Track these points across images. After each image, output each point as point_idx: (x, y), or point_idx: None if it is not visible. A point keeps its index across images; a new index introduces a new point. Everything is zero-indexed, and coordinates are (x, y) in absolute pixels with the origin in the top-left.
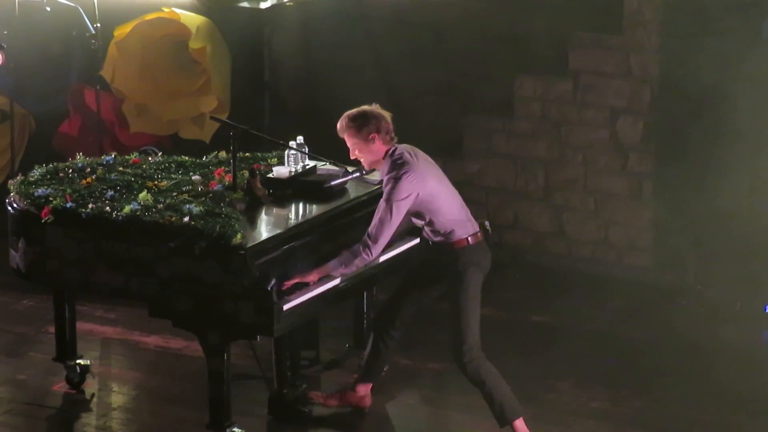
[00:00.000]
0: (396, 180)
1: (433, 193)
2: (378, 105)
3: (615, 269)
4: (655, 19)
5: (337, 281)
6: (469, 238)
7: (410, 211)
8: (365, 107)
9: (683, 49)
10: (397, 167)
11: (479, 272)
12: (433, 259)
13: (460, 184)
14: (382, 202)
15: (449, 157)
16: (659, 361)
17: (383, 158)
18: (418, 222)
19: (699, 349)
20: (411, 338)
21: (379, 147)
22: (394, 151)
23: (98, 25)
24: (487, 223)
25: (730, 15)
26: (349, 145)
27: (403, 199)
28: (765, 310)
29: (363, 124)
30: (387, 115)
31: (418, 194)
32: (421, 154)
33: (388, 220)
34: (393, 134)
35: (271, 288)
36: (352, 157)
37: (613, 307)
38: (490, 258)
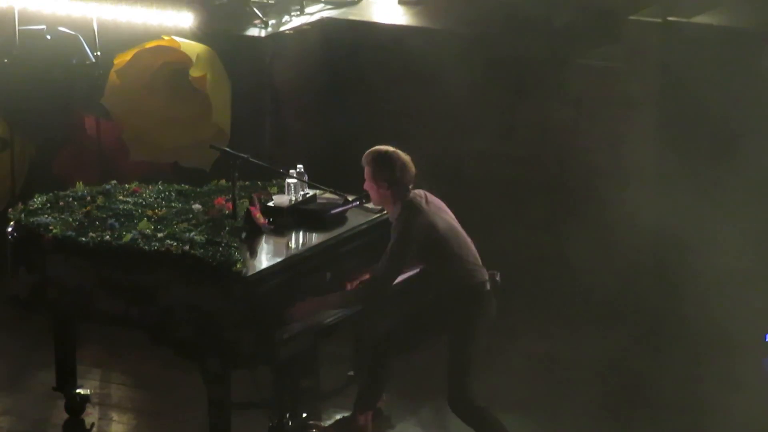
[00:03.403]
0: (405, 224)
1: (442, 239)
2: (409, 157)
3: (617, 295)
4: (655, 47)
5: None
6: (477, 286)
7: (418, 255)
8: (394, 153)
9: (684, 77)
10: (407, 212)
11: (484, 319)
12: (440, 304)
13: (460, 210)
14: (390, 246)
15: (450, 184)
16: (661, 388)
17: (393, 202)
18: (426, 267)
19: (700, 375)
20: (412, 367)
21: (392, 191)
22: (406, 196)
23: (98, 53)
24: (497, 273)
25: (731, 43)
26: (365, 175)
27: (410, 243)
28: (765, 339)
29: (382, 169)
30: (411, 170)
31: (426, 238)
32: (432, 198)
33: (395, 264)
34: (410, 188)
35: (271, 315)
36: (365, 188)
37: (614, 334)
38: (495, 307)
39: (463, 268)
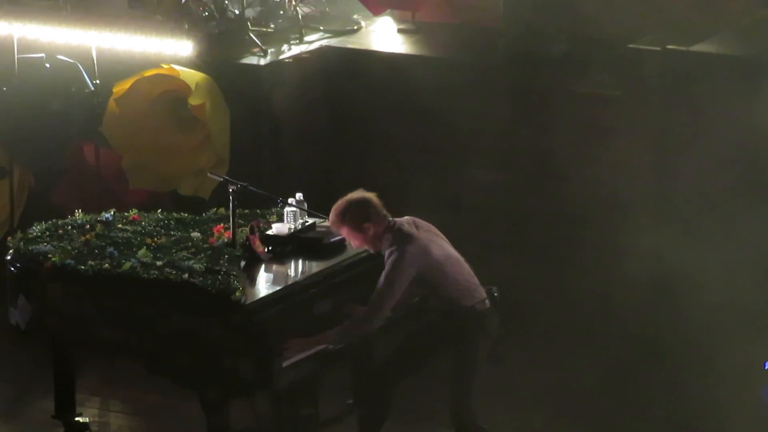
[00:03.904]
0: (398, 253)
1: (436, 265)
2: (362, 189)
3: (618, 325)
4: (654, 75)
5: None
6: (476, 305)
7: (414, 281)
8: (351, 197)
9: (683, 105)
10: (398, 240)
11: (485, 338)
12: (440, 325)
13: (458, 239)
14: (384, 274)
15: (448, 212)
16: (660, 417)
17: (384, 233)
18: (423, 291)
19: (698, 405)
20: (412, 392)
21: (376, 232)
22: (394, 224)
23: (97, 81)
24: (494, 288)
25: (730, 71)
26: (346, 237)
27: (404, 271)
28: (765, 366)
29: (353, 217)
30: (372, 197)
31: (420, 266)
32: (422, 224)
33: (390, 292)
34: (384, 212)
35: (271, 345)
36: (354, 247)
37: (613, 364)
38: (497, 324)
39: (459, 289)
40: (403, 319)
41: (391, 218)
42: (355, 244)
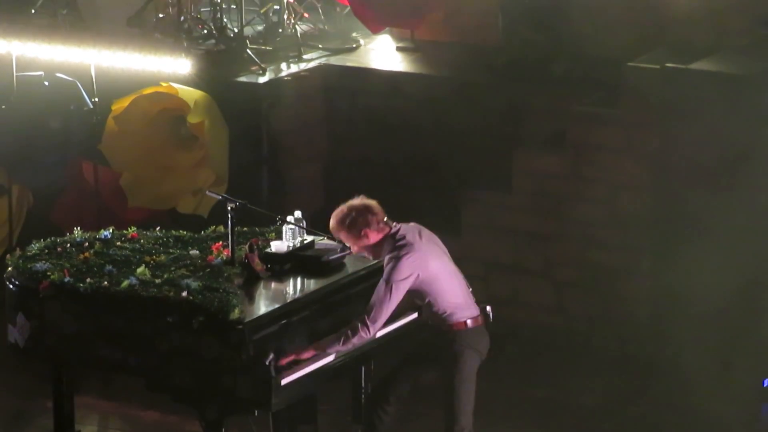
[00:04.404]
0: (396, 260)
1: (434, 275)
2: (363, 196)
3: (613, 344)
4: (653, 93)
5: (334, 356)
6: (469, 321)
7: (410, 291)
8: (352, 204)
9: (682, 124)
10: (398, 248)
11: (476, 356)
12: (432, 340)
13: (458, 258)
14: (381, 282)
15: (447, 232)
16: None
17: (385, 239)
18: (418, 302)
19: (697, 423)
20: (410, 412)
21: (374, 238)
22: (397, 231)
23: (96, 99)
24: (488, 308)
25: (729, 89)
26: (345, 242)
27: (402, 280)
28: (764, 384)
29: (352, 224)
30: (373, 204)
31: (418, 275)
32: (426, 233)
33: (387, 300)
34: (384, 219)
35: (269, 363)
36: (354, 252)
37: (611, 382)
38: (488, 342)
39: (453, 304)
40: (397, 336)
41: (393, 225)
42: (354, 250)
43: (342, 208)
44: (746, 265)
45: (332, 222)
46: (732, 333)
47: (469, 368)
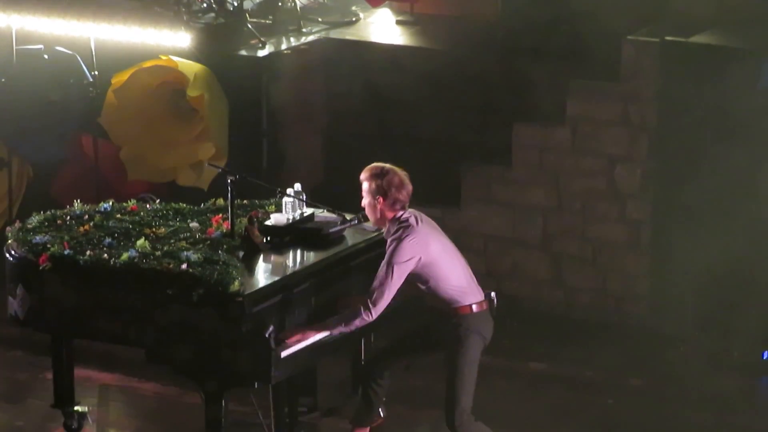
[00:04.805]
0: (398, 242)
1: (435, 258)
2: (405, 173)
3: (613, 316)
4: (652, 67)
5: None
6: (473, 306)
7: (412, 275)
8: (390, 169)
9: (681, 97)
10: (401, 230)
11: (480, 340)
12: (436, 324)
13: (458, 232)
14: (383, 265)
15: (447, 205)
16: (657, 408)
17: (390, 220)
18: (421, 287)
19: (697, 396)
20: (408, 384)
21: (381, 210)
22: (401, 215)
23: (96, 72)
24: (493, 294)
25: (728, 63)
26: (362, 192)
27: (404, 262)
28: (763, 357)
29: (376, 183)
30: (406, 186)
31: (420, 258)
32: (426, 219)
33: (389, 283)
34: (401, 203)
35: (269, 335)
36: (362, 206)
37: (611, 355)
38: (492, 328)
39: (456, 287)
40: (400, 318)
41: (403, 211)
42: (362, 204)
43: (381, 165)
44: (744, 238)
45: (366, 170)
46: (731, 305)
47: (472, 352)
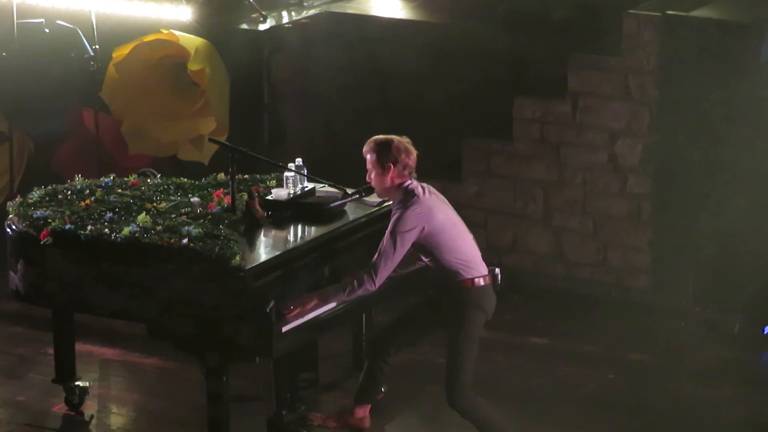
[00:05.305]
0: (402, 211)
1: (440, 229)
2: (409, 140)
3: (614, 291)
4: (654, 41)
5: (335, 305)
6: (476, 280)
7: (416, 245)
8: (394, 137)
9: (682, 71)
10: (405, 199)
11: (481, 315)
12: (439, 298)
13: (459, 206)
14: (386, 234)
15: (448, 179)
16: (658, 382)
17: (399, 188)
18: (425, 259)
19: (698, 370)
20: (410, 360)
21: (391, 178)
22: (409, 184)
23: (97, 46)
24: (497, 269)
25: (729, 36)
26: (367, 166)
27: (407, 231)
28: (764, 331)
29: (384, 153)
30: (413, 151)
31: (423, 228)
32: (434, 191)
33: (392, 252)
34: (412, 172)
35: (270, 310)
36: (368, 179)
37: (612, 329)
38: (494, 303)
39: (460, 260)
40: (403, 291)
41: (411, 180)
42: (368, 178)
43: (385, 137)
44: (745, 212)
45: (369, 143)
46: (732, 280)
47: (475, 327)
